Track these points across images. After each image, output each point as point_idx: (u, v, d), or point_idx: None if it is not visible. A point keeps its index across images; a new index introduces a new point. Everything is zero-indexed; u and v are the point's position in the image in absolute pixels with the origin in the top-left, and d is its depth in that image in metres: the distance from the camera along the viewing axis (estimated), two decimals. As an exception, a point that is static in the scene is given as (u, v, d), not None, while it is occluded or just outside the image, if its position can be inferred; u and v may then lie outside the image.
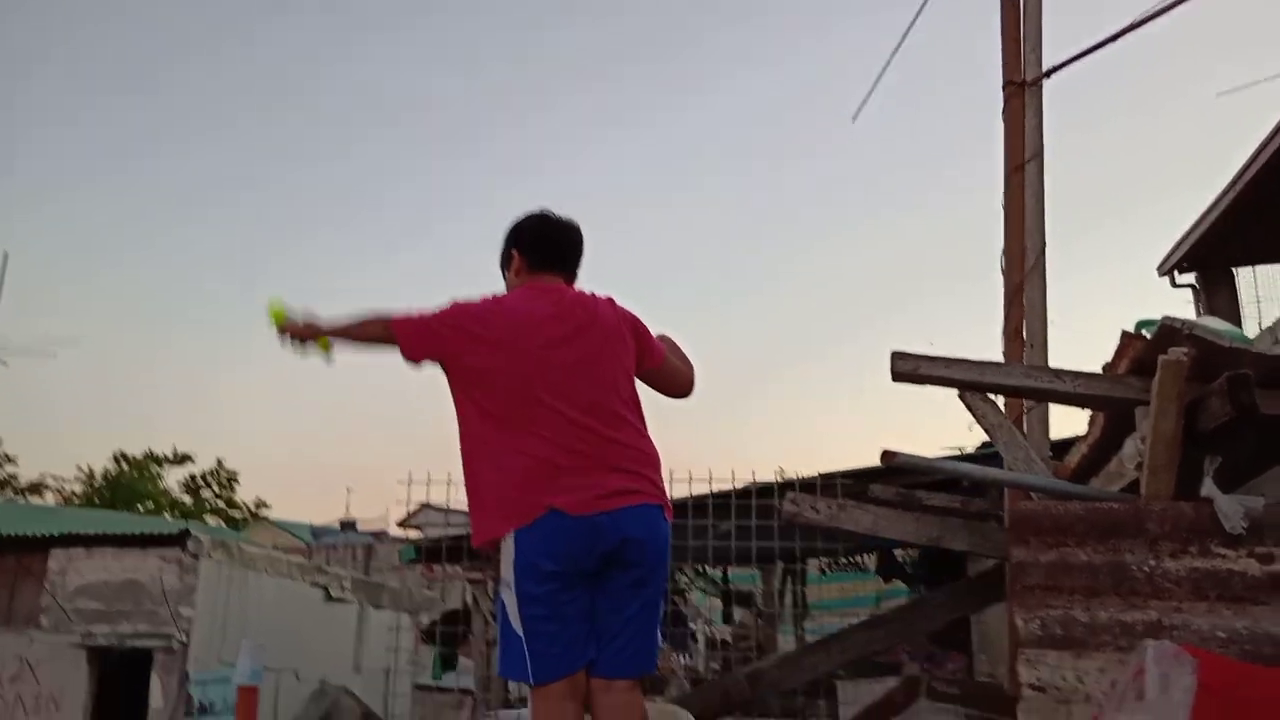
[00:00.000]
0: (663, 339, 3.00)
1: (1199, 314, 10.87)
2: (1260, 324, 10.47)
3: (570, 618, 2.63)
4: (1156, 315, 2.85)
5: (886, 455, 2.75)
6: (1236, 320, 10.67)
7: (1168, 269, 11.01)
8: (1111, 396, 2.81)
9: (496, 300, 2.84)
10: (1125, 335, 2.84)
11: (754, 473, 6.21)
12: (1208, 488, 2.46)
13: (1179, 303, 11.22)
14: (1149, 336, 2.75)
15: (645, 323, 2.94)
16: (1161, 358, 2.51)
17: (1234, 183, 9.39)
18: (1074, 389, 2.86)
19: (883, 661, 7.55)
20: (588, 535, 2.60)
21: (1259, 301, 10.82)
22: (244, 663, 4.89)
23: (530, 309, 2.78)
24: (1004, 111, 4.54)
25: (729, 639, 10.68)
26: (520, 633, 2.65)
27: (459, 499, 5.52)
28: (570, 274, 2.97)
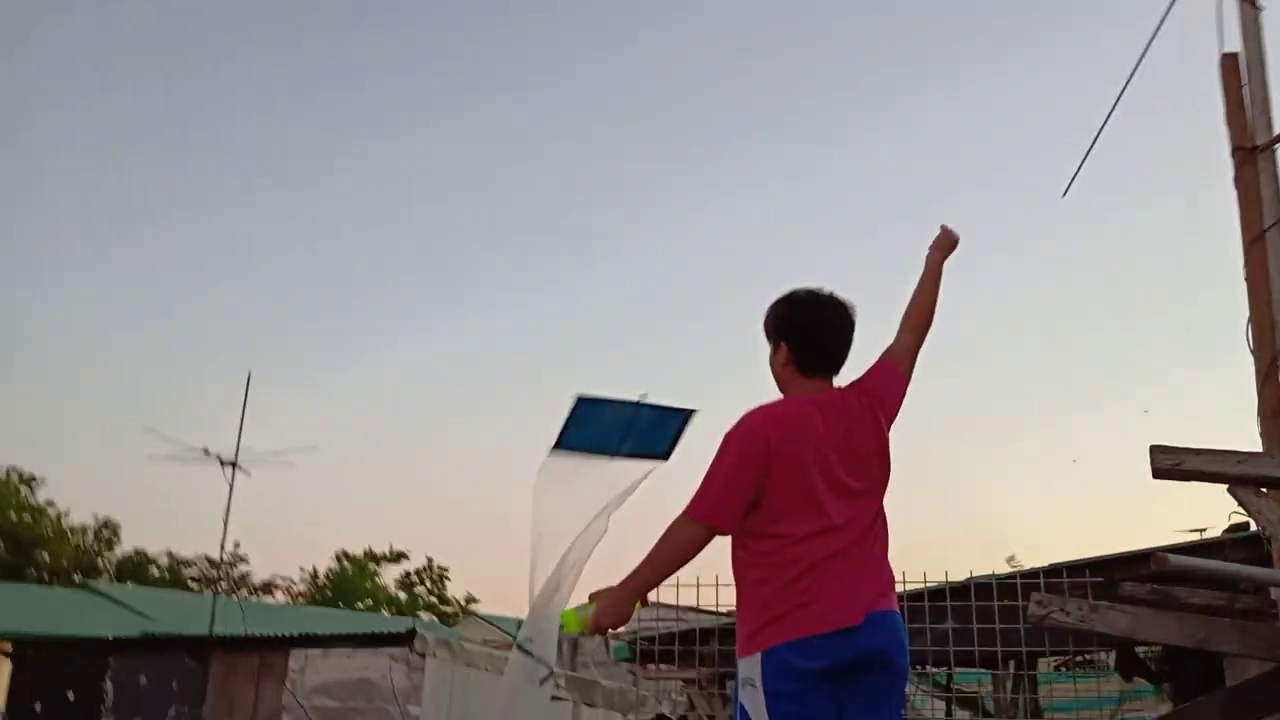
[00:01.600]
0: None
1: None
2: None
3: None
4: None
5: (1159, 560, 2.58)
6: None
7: None
8: None
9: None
10: None
11: (971, 571, 5.94)
12: None
13: None
14: None
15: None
16: None
17: None
18: (1364, 479, 2.62)
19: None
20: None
21: None
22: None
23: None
24: (1235, 179, 4.31)
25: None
26: None
27: (666, 595, 5.57)
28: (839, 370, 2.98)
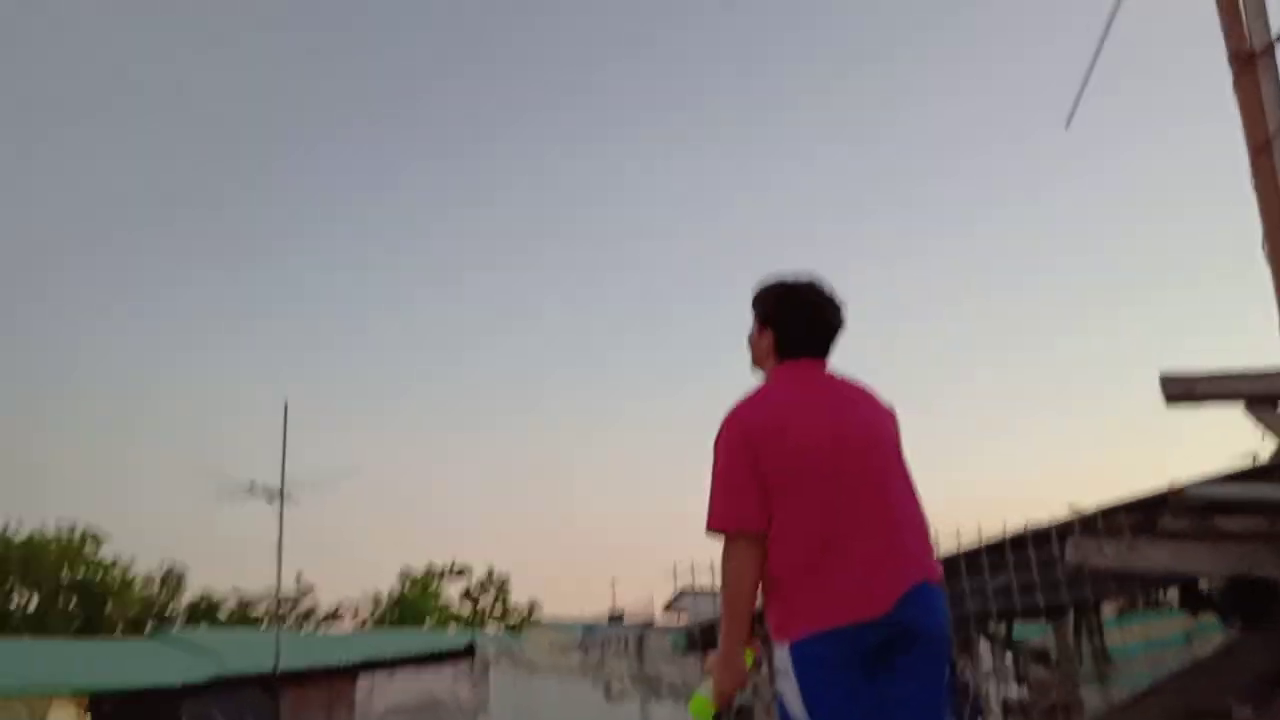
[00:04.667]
0: None
1: None
2: None
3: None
4: None
5: (1174, 492, 2.49)
6: None
7: None
8: None
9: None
10: None
11: (1026, 522, 5.81)
12: None
13: None
14: None
15: None
16: None
17: None
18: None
19: (1208, 710, 6.78)
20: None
21: None
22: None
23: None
24: (1235, 87, 4.14)
25: (1025, 699, 9.92)
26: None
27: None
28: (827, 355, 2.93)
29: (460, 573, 35.14)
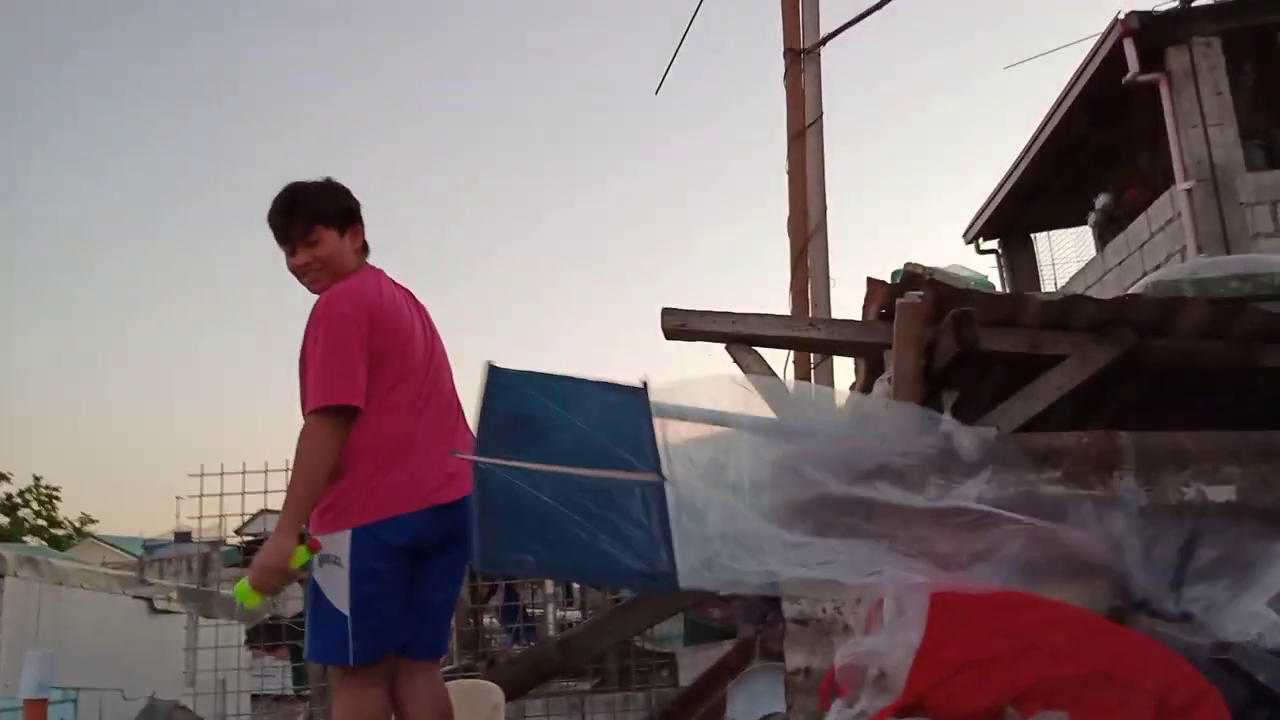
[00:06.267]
0: None
1: (1003, 279, 11.55)
2: (1056, 284, 11.23)
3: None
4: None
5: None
6: (1035, 282, 11.40)
7: (972, 237, 11.65)
8: (861, 341, 2.96)
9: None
10: (871, 282, 2.98)
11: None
12: (945, 422, 2.61)
13: (985, 269, 11.90)
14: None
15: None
16: (899, 301, 2.65)
17: (1025, 153, 10.01)
18: (828, 336, 3.00)
19: (720, 627, 7.71)
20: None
21: (1054, 265, 11.60)
22: (29, 674, 4.57)
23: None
24: (785, 79, 4.67)
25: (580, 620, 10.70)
26: (347, 611, 2.57)
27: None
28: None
29: (-3, 478, 30.79)
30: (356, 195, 2.81)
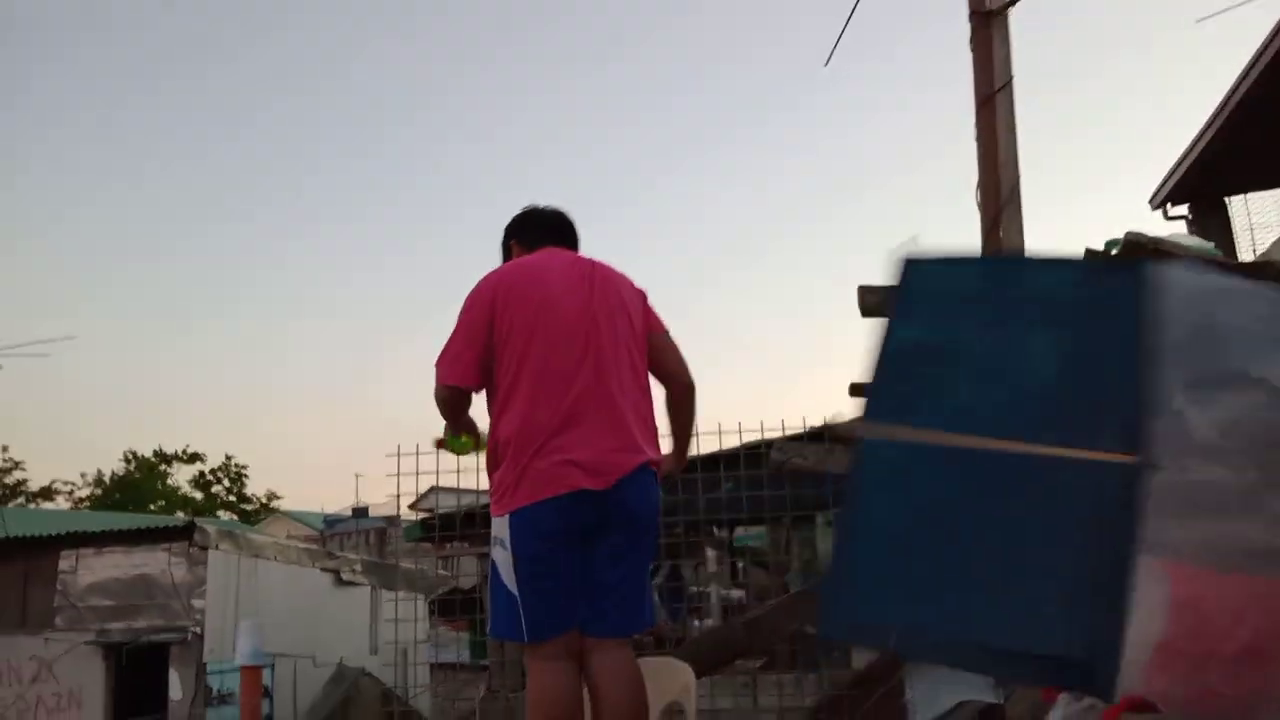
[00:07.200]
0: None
1: (1193, 245, 10.76)
2: (1255, 251, 10.40)
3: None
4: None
5: (854, 388, 2.73)
6: (1231, 248, 10.59)
7: (1160, 202, 10.91)
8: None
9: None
10: (1089, 253, 2.80)
11: (739, 424, 6.10)
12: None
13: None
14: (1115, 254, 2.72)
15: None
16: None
17: (1219, 112, 9.29)
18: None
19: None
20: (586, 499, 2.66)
21: (1252, 229, 10.74)
22: (244, 643, 4.93)
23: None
24: (971, 42, 4.48)
25: (744, 601, 10.69)
26: (516, 591, 2.65)
27: (468, 479, 5.57)
28: (570, 248, 3.07)
29: (194, 458, 33.23)
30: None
